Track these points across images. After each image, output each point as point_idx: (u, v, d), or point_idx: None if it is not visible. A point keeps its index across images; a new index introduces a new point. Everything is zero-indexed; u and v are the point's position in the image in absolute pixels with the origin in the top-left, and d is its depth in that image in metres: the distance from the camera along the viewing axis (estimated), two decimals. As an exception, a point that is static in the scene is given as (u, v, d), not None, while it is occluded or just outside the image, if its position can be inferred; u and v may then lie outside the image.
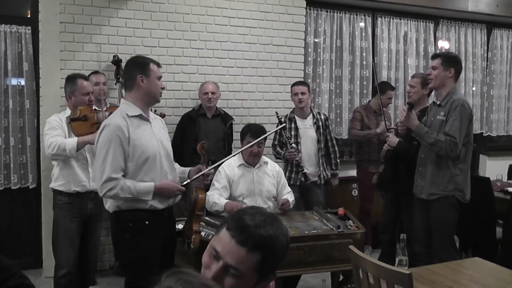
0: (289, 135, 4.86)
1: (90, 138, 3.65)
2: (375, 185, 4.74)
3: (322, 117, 5.07)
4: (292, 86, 5.03)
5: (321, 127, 4.99)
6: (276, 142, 5.05)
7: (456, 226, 3.98)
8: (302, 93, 4.88)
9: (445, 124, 3.88)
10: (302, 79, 5.76)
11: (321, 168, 4.99)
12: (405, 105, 4.29)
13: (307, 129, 4.97)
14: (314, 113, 5.06)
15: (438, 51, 6.63)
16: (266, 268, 1.52)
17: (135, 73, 3.01)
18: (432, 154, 3.96)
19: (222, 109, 5.15)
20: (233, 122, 5.18)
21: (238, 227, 1.50)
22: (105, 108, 3.97)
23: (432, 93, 5.90)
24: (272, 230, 1.51)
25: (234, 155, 3.76)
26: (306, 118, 5.00)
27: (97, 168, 2.93)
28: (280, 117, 4.86)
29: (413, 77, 4.78)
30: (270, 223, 1.53)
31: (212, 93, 4.93)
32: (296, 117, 4.98)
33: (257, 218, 1.52)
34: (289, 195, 4.27)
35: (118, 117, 2.96)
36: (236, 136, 5.25)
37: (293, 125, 4.94)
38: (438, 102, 4.03)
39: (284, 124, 4.79)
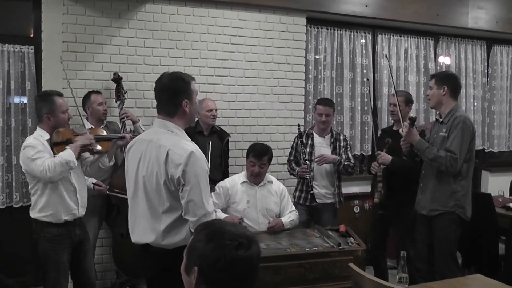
0: (305, 151, 4.71)
1: (80, 142, 3.58)
2: (378, 205, 4.64)
3: (342, 137, 4.90)
4: (317, 104, 4.86)
5: (337, 148, 4.82)
6: (291, 158, 4.94)
7: (458, 242, 3.98)
8: (327, 115, 4.73)
9: (446, 140, 3.91)
10: (303, 96, 5.79)
11: (336, 191, 4.81)
12: (406, 121, 4.25)
13: (323, 147, 4.81)
14: (334, 133, 4.90)
15: (438, 68, 6.67)
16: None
17: (180, 97, 2.74)
18: (433, 170, 3.98)
19: (220, 126, 5.14)
20: (235, 140, 5.19)
21: None
22: (88, 129, 4.00)
23: (433, 110, 5.93)
24: (203, 243, 1.59)
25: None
26: (324, 137, 4.87)
27: (198, 199, 2.62)
28: (300, 130, 4.81)
29: (393, 95, 4.68)
30: (208, 237, 1.60)
31: (215, 110, 4.93)
32: (314, 133, 4.87)
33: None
34: (291, 214, 4.29)
35: (194, 145, 2.75)
36: (232, 153, 5.28)
37: (309, 142, 4.81)
38: (441, 120, 4.07)
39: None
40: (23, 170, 3.64)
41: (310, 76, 6.04)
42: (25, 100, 4.91)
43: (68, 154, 3.49)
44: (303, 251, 3.64)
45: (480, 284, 3.06)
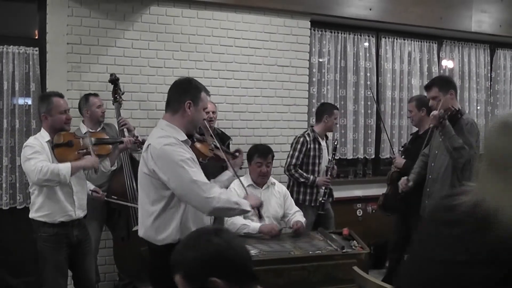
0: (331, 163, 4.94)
1: (84, 163, 3.59)
2: (380, 207, 4.72)
3: (330, 138, 5.15)
4: (335, 109, 5.11)
5: (330, 149, 5.07)
6: (298, 162, 4.93)
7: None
8: None
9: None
10: (307, 100, 5.80)
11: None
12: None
13: (324, 150, 5.03)
14: (327, 135, 5.15)
15: (441, 72, 6.66)
16: (195, 281, 1.67)
17: (184, 96, 2.86)
18: (439, 176, 3.93)
19: (224, 128, 5.13)
20: (238, 143, 5.17)
21: None
22: (85, 132, 4.00)
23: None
24: (181, 250, 1.74)
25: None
26: (323, 139, 5.06)
27: (189, 185, 2.70)
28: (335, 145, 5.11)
29: (409, 101, 4.94)
30: (185, 244, 1.76)
31: (213, 112, 4.84)
32: (318, 137, 5.01)
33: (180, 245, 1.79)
34: (298, 215, 4.31)
35: (171, 139, 2.78)
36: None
37: (317, 146, 4.95)
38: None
39: None
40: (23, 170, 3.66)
41: (314, 79, 6.04)
42: (29, 101, 4.92)
43: (65, 167, 3.47)
44: (306, 254, 3.63)
45: None
